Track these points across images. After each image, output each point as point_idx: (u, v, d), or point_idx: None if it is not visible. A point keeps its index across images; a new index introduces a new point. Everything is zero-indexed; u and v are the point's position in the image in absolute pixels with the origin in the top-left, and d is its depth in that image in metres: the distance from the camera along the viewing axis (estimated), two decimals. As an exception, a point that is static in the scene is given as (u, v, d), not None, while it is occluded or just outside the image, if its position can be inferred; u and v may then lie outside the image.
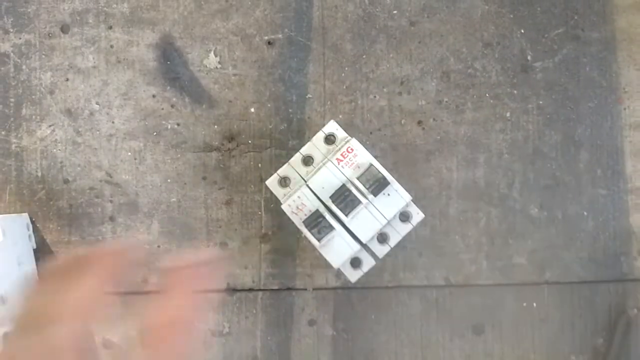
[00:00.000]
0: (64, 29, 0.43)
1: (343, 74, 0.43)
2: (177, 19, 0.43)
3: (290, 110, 0.43)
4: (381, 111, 0.43)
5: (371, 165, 0.32)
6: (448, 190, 0.42)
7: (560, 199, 0.43)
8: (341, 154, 0.33)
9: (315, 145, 0.34)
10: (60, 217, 0.42)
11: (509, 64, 0.43)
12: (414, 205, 0.35)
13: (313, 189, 0.32)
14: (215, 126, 0.43)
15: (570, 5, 0.43)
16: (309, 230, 0.32)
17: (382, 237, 0.34)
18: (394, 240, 0.34)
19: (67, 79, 0.43)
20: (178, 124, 0.43)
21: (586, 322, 0.42)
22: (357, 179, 0.32)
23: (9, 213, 0.42)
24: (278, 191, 0.34)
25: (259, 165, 0.42)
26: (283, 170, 0.34)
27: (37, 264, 0.42)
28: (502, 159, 0.43)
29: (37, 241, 0.42)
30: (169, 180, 0.42)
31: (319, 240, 0.32)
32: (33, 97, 0.43)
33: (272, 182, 0.34)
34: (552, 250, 0.43)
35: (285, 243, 0.42)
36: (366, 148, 0.33)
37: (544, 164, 0.43)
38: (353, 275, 0.34)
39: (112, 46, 0.43)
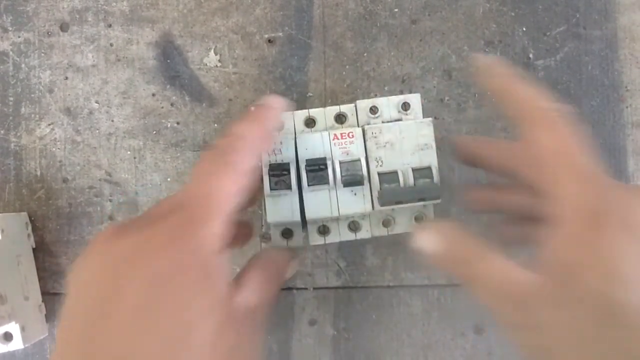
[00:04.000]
0: (63, 27, 0.43)
1: (344, 72, 0.43)
2: (177, 17, 0.43)
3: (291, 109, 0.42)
4: (382, 109, 0.42)
5: (359, 159, 0.32)
6: (450, 189, 0.42)
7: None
8: (340, 134, 0.32)
9: (325, 114, 0.34)
10: (59, 216, 0.42)
11: (510, 62, 0.43)
12: (369, 221, 0.33)
13: (298, 145, 0.32)
14: (216, 125, 0.42)
15: (572, 3, 0.43)
16: (268, 175, 0.31)
17: (323, 229, 0.34)
18: (330, 239, 0.34)
19: (67, 78, 0.42)
20: (178, 123, 0.42)
21: (588, 322, 0.42)
22: (340, 162, 0.32)
23: (8, 212, 0.42)
24: None
25: (259, 164, 0.42)
26: (284, 115, 0.33)
27: (36, 263, 0.41)
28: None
29: (36, 240, 0.42)
30: (168, 179, 0.42)
31: (271, 189, 0.31)
32: (32, 95, 0.42)
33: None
34: (554, 249, 0.42)
35: (285, 242, 0.41)
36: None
37: (545, 162, 0.42)
38: (277, 242, 0.34)
39: (111, 44, 0.43)
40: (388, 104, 0.33)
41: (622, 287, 0.21)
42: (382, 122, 0.33)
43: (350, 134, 0.32)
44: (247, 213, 0.41)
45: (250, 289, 0.25)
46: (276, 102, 0.29)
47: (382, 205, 0.31)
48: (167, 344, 0.21)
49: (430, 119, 0.32)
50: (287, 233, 0.34)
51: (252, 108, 0.29)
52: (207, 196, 0.24)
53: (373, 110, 0.33)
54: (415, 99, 0.34)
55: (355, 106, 0.33)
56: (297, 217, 0.32)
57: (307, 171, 0.31)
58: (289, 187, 0.31)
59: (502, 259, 0.25)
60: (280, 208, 0.32)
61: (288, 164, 0.31)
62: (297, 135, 0.33)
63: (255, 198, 0.33)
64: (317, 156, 0.32)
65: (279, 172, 0.31)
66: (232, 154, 0.25)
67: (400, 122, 0.33)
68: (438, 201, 0.32)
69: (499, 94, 0.28)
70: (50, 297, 0.42)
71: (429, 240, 0.27)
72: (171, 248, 0.22)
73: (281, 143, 0.32)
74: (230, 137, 0.26)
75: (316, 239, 0.34)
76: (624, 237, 0.22)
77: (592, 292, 0.21)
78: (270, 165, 0.31)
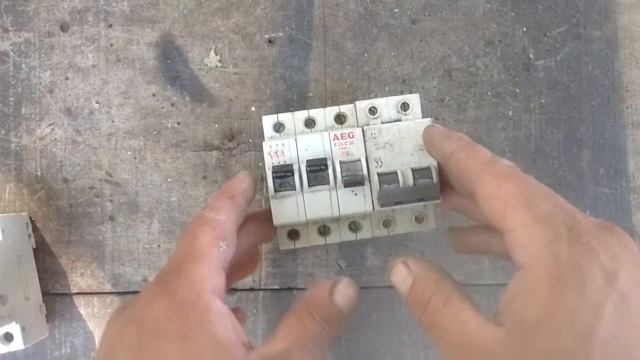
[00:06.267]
0: (64, 27, 0.43)
1: (344, 73, 0.43)
2: (177, 17, 0.43)
3: (291, 109, 0.42)
4: (382, 110, 0.42)
5: (359, 159, 0.32)
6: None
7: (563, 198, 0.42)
8: (340, 134, 0.32)
9: (325, 114, 0.34)
10: (60, 217, 0.42)
11: (510, 62, 0.43)
12: (369, 221, 0.34)
13: (298, 146, 0.32)
14: (216, 125, 0.42)
15: (572, 4, 0.43)
16: (272, 177, 0.31)
17: (324, 229, 0.34)
18: (331, 239, 0.34)
19: (67, 78, 0.42)
20: (178, 123, 0.42)
21: (588, 322, 0.42)
22: (340, 163, 0.32)
23: (9, 212, 0.42)
24: (268, 130, 0.33)
25: (260, 164, 0.42)
26: (284, 116, 0.33)
27: (36, 264, 0.41)
28: (504, 158, 0.42)
29: (36, 241, 0.42)
30: (169, 180, 0.42)
31: (275, 191, 0.31)
32: (32, 96, 0.42)
33: (268, 120, 0.33)
34: (555, 250, 0.42)
35: (286, 242, 0.41)
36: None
37: (546, 162, 0.43)
38: (284, 245, 0.34)
39: (112, 45, 0.43)
40: (387, 104, 0.33)
41: (597, 347, 0.19)
42: (382, 122, 0.33)
43: (351, 134, 0.32)
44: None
45: (275, 335, 0.24)
46: (240, 174, 0.31)
47: (381, 205, 0.31)
48: None
49: (429, 119, 0.32)
50: (293, 234, 0.34)
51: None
52: (184, 251, 0.25)
53: (372, 110, 0.33)
54: (414, 99, 0.34)
55: (355, 107, 0.34)
56: (303, 217, 0.32)
57: (308, 172, 0.31)
58: (294, 188, 0.31)
59: (467, 307, 0.22)
60: (285, 209, 0.32)
61: (291, 165, 0.31)
62: (297, 136, 0.33)
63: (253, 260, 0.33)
64: (318, 157, 0.32)
65: (282, 174, 0.31)
66: (201, 217, 0.27)
67: (399, 122, 0.33)
68: (438, 201, 0.32)
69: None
70: (51, 297, 0.42)
71: (396, 275, 0.26)
72: (156, 301, 0.23)
73: (283, 145, 0.32)
74: (205, 207, 0.28)
75: (317, 240, 0.34)
76: (596, 286, 0.20)
77: (558, 354, 0.19)
78: (273, 167, 0.31)
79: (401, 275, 0.25)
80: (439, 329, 0.23)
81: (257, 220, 0.32)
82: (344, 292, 0.26)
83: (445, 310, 0.23)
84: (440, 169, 0.31)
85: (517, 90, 0.43)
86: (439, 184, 0.31)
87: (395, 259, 0.26)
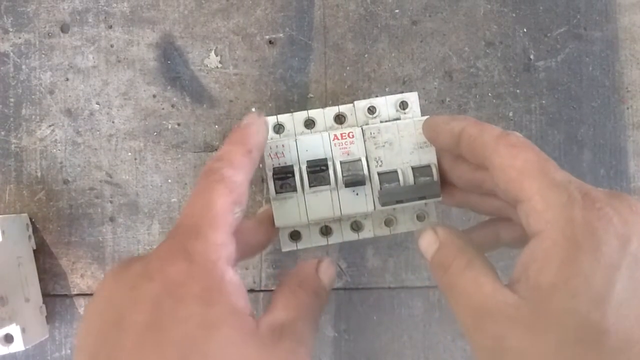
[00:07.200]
0: (64, 28, 0.43)
1: (344, 74, 0.43)
2: (178, 18, 0.43)
3: (291, 110, 0.42)
4: (383, 111, 0.42)
5: (360, 159, 0.32)
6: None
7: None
8: (340, 134, 0.32)
9: (324, 115, 0.34)
10: (60, 218, 0.42)
11: (511, 63, 0.43)
12: (371, 221, 0.34)
13: (298, 147, 0.32)
14: (216, 126, 0.42)
15: (573, 4, 0.43)
16: (273, 179, 0.31)
17: (325, 230, 0.34)
18: (333, 240, 0.34)
19: (67, 79, 0.42)
20: (178, 124, 0.42)
21: (589, 323, 0.42)
22: (341, 163, 0.32)
23: (9, 214, 0.42)
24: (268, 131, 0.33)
25: (260, 165, 0.42)
26: (284, 117, 0.33)
27: (36, 265, 0.41)
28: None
29: (36, 242, 0.42)
30: (169, 181, 0.42)
31: (276, 192, 0.31)
32: (33, 97, 0.42)
33: (268, 121, 0.33)
34: (555, 251, 0.42)
35: (286, 243, 0.41)
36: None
37: (546, 163, 0.43)
38: (286, 246, 0.34)
39: (112, 46, 0.43)
40: (386, 104, 0.33)
41: (608, 309, 0.19)
42: (381, 121, 0.33)
43: (351, 134, 0.32)
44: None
45: (274, 306, 0.25)
46: (254, 120, 0.29)
47: (383, 205, 0.31)
48: (177, 357, 0.21)
49: (428, 117, 0.32)
50: (295, 235, 0.34)
51: (235, 126, 0.30)
52: (200, 211, 0.24)
53: (371, 110, 0.33)
54: (413, 98, 0.34)
55: (354, 106, 0.34)
56: (305, 218, 0.32)
57: (308, 172, 0.31)
58: (295, 190, 0.31)
59: (486, 272, 0.23)
60: (287, 211, 0.32)
61: (292, 166, 0.31)
62: (297, 136, 0.33)
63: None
64: (318, 157, 0.32)
65: (283, 175, 0.31)
66: (218, 173, 0.26)
67: (398, 121, 0.33)
68: (439, 199, 0.32)
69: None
70: (51, 298, 0.42)
71: (424, 239, 0.27)
72: (173, 262, 0.23)
73: (283, 146, 0.32)
74: (215, 159, 0.27)
75: (319, 240, 0.34)
76: (611, 250, 0.20)
77: (572, 316, 0.20)
78: (274, 169, 0.31)
79: (429, 240, 0.27)
80: (456, 291, 0.24)
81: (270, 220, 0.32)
82: (327, 269, 0.28)
83: (465, 272, 0.23)
84: (440, 166, 0.31)
85: (518, 91, 0.43)
86: (439, 181, 0.31)
87: (426, 228, 0.28)
